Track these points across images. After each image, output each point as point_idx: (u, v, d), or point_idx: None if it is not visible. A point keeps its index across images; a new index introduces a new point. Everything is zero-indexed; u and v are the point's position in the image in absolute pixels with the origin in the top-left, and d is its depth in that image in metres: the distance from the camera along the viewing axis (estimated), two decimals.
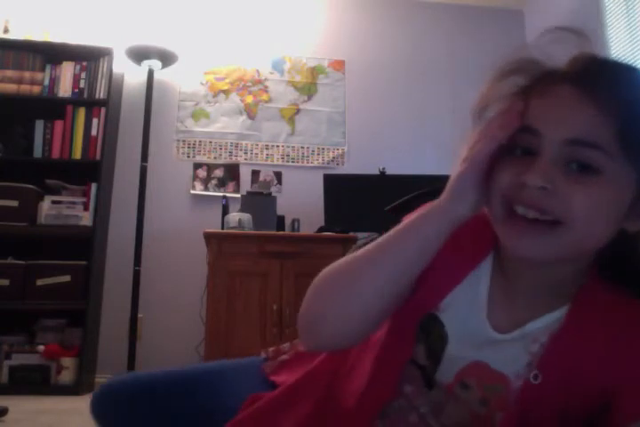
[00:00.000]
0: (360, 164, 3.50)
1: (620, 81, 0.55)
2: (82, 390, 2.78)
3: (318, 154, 3.58)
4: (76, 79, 3.18)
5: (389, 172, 3.29)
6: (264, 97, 3.60)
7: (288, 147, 3.56)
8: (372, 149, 3.60)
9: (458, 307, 0.63)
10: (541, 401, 0.54)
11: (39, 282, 2.86)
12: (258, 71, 3.62)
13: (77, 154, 3.10)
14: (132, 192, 3.19)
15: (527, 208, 0.55)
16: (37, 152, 3.09)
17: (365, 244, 0.64)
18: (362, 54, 3.77)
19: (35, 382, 2.74)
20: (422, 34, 3.89)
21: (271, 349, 0.88)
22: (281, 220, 3.13)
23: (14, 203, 2.93)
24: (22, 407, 2.22)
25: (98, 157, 3.08)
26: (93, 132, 3.12)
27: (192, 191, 3.41)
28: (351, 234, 2.93)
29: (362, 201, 3.15)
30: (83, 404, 2.56)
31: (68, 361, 2.80)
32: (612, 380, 0.52)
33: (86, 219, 3.00)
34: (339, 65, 3.73)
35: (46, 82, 3.15)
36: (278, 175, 3.51)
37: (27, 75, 3.14)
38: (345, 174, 3.41)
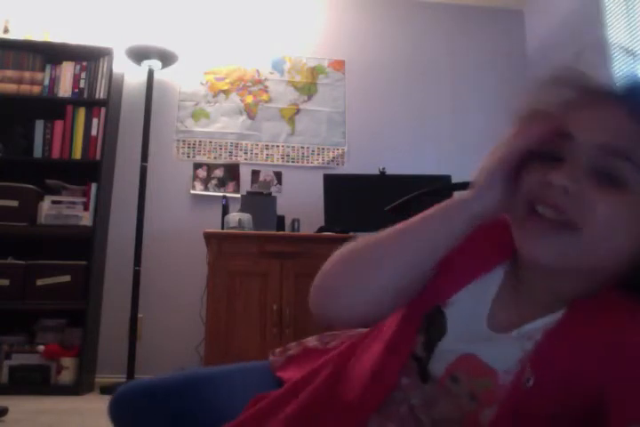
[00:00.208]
0: (360, 164, 3.50)
1: None
2: (82, 390, 2.79)
3: (318, 154, 3.58)
4: (76, 79, 3.18)
5: (389, 172, 3.29)
6: (264, 97, 3.60)
7: (288, 147, 3.56)
8: (372, 149, 3.60)
9: (463, 304, 0.64)
10: (534, 404, 0.54)
11: (39, 282, 2.86)
12: (258, 71, 3.62)
13: (77, 154, 3.10)
14: (132, 192, 3.19)
15: (547, 207, 0.55)
16: (37, 152, 3.09)
17: None
18: (362, 54, 3.77)
19: (35, 382, 2.74)
20: (422, 34, 3.89)
21: (278, 349, 0.89)
22: (281, 220, 3.13)
23: (14, 203, 2.93)
24: (22, 407, 2.22)
25: (98, 157, 3.08)
26: (93, 132, 3.12)
27: (192, 191, 3.41)
28: (351, 234, 2.93)
29: (362, 201, 3.15)
30: (83, 404, 2.57)
31: (68, 361, 2.80)
32: (609, 380, 0.52)
33: (86, 219, 3.00)
34: (339, 65, 3.73)
35: (46, 82, 3.16)
36: (278, 175, 3.51)
37: (27, 75, 3.14)
38: (345, 174, 3.41)
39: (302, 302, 2.77)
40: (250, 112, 3.57)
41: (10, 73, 3.12)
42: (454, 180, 3.14)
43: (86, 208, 3.02)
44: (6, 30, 3.24)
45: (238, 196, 3.24)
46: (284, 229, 3.11)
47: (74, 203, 3.02)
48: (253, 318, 2.74)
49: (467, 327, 0.62)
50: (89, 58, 3.21)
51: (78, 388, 2.77)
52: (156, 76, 3.35)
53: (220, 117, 3.53)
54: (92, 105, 3.15)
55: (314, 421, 0.65)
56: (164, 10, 3.50)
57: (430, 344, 0.63)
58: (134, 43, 3.20)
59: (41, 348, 2.78)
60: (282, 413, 0.66)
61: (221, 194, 3.29)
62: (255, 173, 3.50)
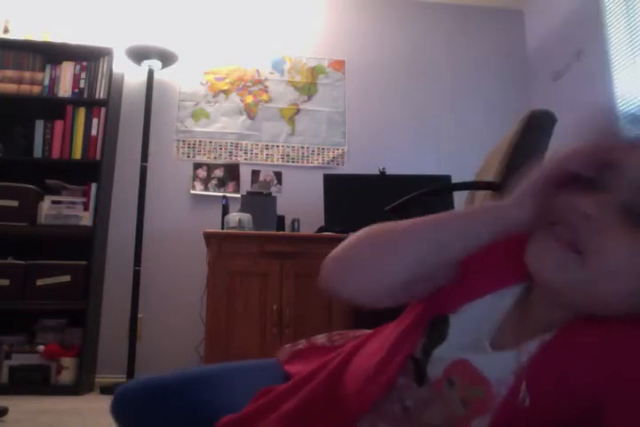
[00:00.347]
0: (360, 164, 3.50)
1: None
2: (82, 390, 2.79)
3: (318, 154, 3.58)
4: (76, 79, 3.18)
5: (389, 172, 3.29)
6: (264, 97, 3.60)
7: (288, 147, 3.56)
8: (372, 149, 3.60)
9: (471, 316, 0.64)
10: (529, 421, 0.54)
11: (39, 282, 2.86)
12: (258, 71, 3.62)
13: (77, 154, 3.10)
14: (132, 192, 3.19)
15: (563, 227, 0.55)
16: (37, 152, 3.09)
17: None
18: (362, 54, 3.77)
19: (35, 382, 2.74)
20: (422, 34, 3.89)
21: (288, 345, 0.90)
22: (281, 220, 3.13)
23: (14, 203, 2.94)
24: (22, 407, 2.22)
25: (98, 157, 3.08)
26: (93, 132, 3.12)
27: (192, 191, 3.41)
28: (351, 234, 2.93)
29: (362, 201, 3.15)
30: (83, 404, 2.57)
31: (68, 361, 2.80)
32: (602, 392, 0.52)
33: (86, 219, 3.00)
34: (339, 65, 3.73)
35: (46, 82, 3.16)
36: (278, 175, 3.51)
37: (27, 75, 3.14)
38: (345, 174, 3.41)
39: (302, 301, 2.77)
40: (250, 112, 3.57)
41: (10, 73, 3.12)
42: (454, 180, 3.14)
43: (86, 208, 3.02)
44: (6, 30, 3.24)
45: (238, 196, 3.24)
46: (284, 229, 3.12)
47: (74, 203, 3.02)
48: (253, 318, 2.74)
49: (467, 338, 0.62)
50: (89, 58, 3.21)
51: (78, 388, 2.77)
52: (156, 76, 3.36)
53: (220, 117, 3.53)
54: (91, 105, 3.15)
55: (310, 418, 0.66)
56: (163, 10, 3.50)
57: (429, 348, 0.64)
58: (134, 43, 3.21)
59: (41, 348, 2.78)
60: (283, 408, 0.67)
61: (221, 194, 3.29)
62: (255, 173, 3.50)
